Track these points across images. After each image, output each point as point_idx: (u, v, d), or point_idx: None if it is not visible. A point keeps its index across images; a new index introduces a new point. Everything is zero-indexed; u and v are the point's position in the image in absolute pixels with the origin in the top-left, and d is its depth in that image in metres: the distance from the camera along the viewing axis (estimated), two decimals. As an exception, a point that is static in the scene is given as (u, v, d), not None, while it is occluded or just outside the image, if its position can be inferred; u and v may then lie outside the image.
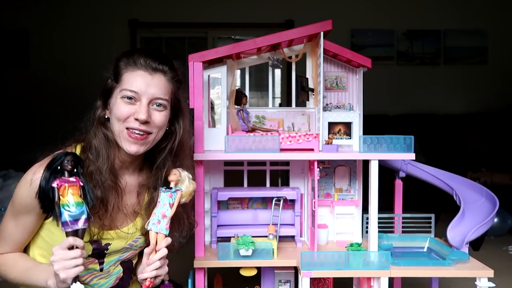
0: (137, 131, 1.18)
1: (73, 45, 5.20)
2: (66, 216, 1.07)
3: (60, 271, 1.06)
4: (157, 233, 1.21)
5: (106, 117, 1.23)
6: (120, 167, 1.27)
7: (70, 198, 1.08)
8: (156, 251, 1.21)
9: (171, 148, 1.29)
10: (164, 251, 1.20)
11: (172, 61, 1.26)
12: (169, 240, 1.21)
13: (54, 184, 1.08)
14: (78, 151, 1.22)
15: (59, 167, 1.10)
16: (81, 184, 1.11)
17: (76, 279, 1.08)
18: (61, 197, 1.08)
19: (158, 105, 1.20)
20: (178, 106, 1.30)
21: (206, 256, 1.58)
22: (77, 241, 1.08)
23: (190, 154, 1.42)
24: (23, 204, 1.18)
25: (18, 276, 1.23)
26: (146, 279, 1.19)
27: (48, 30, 5.21)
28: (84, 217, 1.09)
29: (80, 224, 1.09)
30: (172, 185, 1.25)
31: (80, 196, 1.10)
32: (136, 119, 1.17)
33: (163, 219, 1.21)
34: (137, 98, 1.18)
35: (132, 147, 1.19)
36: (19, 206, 1.19)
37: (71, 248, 1.07)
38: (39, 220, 1.22)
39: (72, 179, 1.10)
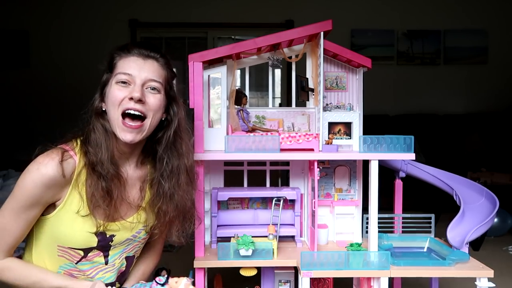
0: (132, 112, 1.19)
1: (73, 45, 5.19)
2: None
3: None
4: None
5: (103, 109, 1.25)
6: (120, 157, 1.29)
7: None
8: None
9: (168, 137, 1.30)
10: None
11: (163, 52, 1.30)
12: None
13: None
14: (78, 146, 1.24)
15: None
16: None
17: None
18: None
19: (152, 89, 1.24)
20: (172, 95, 1.32)
21: (206, 256, 1.58)
22: None
23: (190, 150, 1.38)
24: (31, 195, 1.17)
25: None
26: None
27: (48, 31, 5.20)
28: None
29: None
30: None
31: None
32: (131, 98, 1.19)
33: None
34: (131, 81, 1.21)
35: (127, 136, 1.21)
36: (23, 198, 1.17)
37: None
38: (40, 213, 1.22)
39: None
